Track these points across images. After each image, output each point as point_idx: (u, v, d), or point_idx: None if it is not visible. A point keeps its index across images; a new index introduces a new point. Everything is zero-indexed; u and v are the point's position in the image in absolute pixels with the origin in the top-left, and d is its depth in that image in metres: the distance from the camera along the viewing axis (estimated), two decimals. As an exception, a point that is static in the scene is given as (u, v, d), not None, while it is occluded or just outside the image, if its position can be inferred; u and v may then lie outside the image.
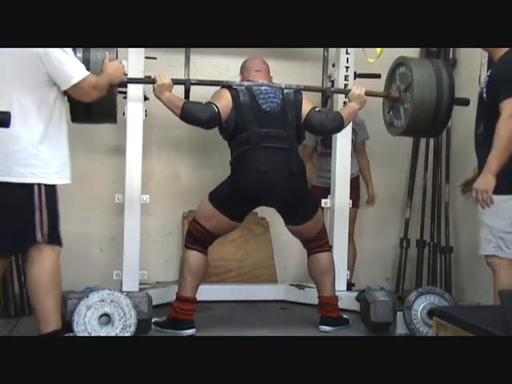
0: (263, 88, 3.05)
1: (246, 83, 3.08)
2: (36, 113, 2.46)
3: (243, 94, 3.00)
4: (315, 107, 3.12)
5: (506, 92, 2.59)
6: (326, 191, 3.70)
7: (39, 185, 2.47)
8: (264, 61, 3.20)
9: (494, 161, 2.62)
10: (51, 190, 2.51)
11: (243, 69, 3.19)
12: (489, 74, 2.73)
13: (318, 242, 3.21)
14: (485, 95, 2.73)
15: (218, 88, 3.11)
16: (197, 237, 3.04)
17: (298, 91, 3.11)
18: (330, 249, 3.30)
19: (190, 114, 2.97)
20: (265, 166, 2.90)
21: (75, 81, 2.48)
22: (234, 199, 2.98)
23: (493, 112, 2.64)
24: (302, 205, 3.06)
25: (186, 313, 3.00)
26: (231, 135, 3.00)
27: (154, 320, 3.07)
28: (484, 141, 2.72)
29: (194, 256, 3.03)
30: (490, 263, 2.77)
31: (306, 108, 3.07)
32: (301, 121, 3.06)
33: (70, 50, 2.47)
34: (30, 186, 2.45)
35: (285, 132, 2.99)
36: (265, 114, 2.99)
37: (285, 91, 3.08)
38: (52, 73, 2.43)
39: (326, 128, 3.14)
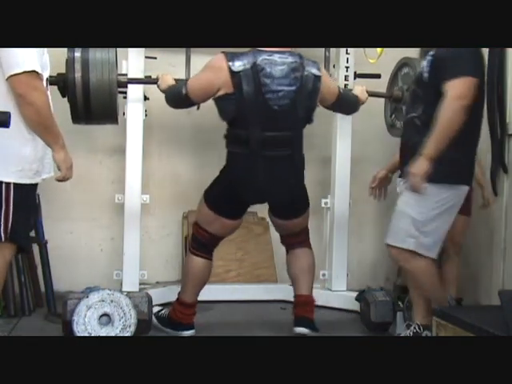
0: (278, 69, 2.64)
1: (251, 58, 2.63)
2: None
3: (247, 82, 2.62)
4: (339, 86, 3.04)
5: (452, 72, 2.43)
6: None
7: (7, 183, 2.29)
8: None
9: (434, 145, 2.45)
10: (21, 188, 2.33)
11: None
12: (432, 53, 2.55)
13: (299, 238, 3.04)
14: (426, 75, 2.55)
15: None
16: (201, 241, 2.94)
17: (318, 77, 2.75)
18: (310, 246, 3.10)
19: (168, 98, 2.91)
20: (262, 178, 2.74)
21: (16, 71, 2.19)
22: (228, 199, 2.85)
23: (435, 94, 2.47)
24: (295, 204, 2.97)
25: (186, 317, 2.97)
26: (229, 123, 2.79)
27: (155, 310, 3.04)
28: (422, 125, 2.54)
29: (198, 263, 2.94)
30: (403, 259, 2.65)
31: (333, 90, 2.88)
32: (313, 110, 2.81)
33: None
34: None
35: (291, 133, 2.75)
36: (272, 114, 2.67)
37: (305, 73, 2.69)
38: (1, 57, 2.21)
39: (357, 108, 3.11)
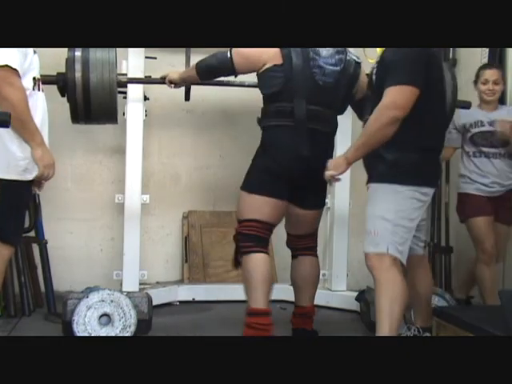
0: (324, 48, 2.69)
1: None
2: None
3: (296, 55, 2.65)
4: None
5: (391, 79, 2.31)
6: (488, 200, 3.24)
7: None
8: None
9: (354, 152, 2.39)
10: (9, 184, 2.33)
11: None
12: (381, 55, 2.45)
13: (308, 242, 2.92)
14: (374, 77, 2.46)
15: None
16: (254, 235, 2.68)
17: (359, 63, 2.80)
18: (317, 255, 2.97)
19: (203, 65, 2.80)
20: (306, 151, 2.64)
21: None
22: (273, 176, 2.68)
23: (379, 97, 2.36)
24: (323, 190, 2.89)
25: (266, 328, 2.58)
26: (272, 97, 2.70)
27: None
28: None
29: (260, 259, 2.65)
30: (384, 268, 2.37)
31: (365, 80, 2.74)
32: (350, 97, 2.82)
33: None
34: None
35: (331, 111, 2.75)
36: (317, 88, 2.67)
37: (347, 57, 2.75)
38: None
39: None
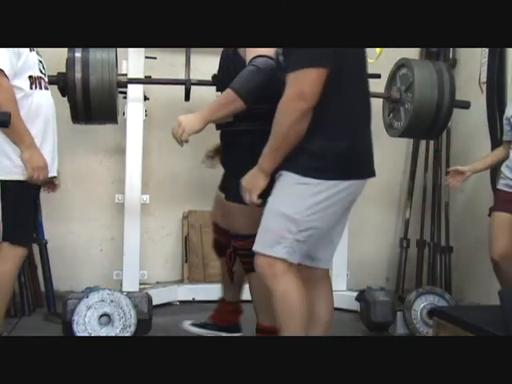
0: None
1: None
2: None
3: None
4: None
5: (292, 63, 1.94)
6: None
7: None
8: None
9: (268, 157, 1.99)
10: (8, 184, 2.32)
11: None
12: None
13: None
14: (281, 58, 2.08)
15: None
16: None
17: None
18: None
19: (250, 90, 2.23)
20: None
21: None
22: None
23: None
24: None
25: None
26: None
27: None
28: None
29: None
30: (270, 273, 2.00)
31: None
32: None
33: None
34: None
35: None
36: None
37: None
38: None
39: None
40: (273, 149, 1.99)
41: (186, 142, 2.28)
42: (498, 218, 2.99)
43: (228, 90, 2.26)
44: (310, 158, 1.99)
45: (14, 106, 2.29)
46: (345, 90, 2.02)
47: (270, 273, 2.00)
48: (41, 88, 2.43)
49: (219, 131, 2.68)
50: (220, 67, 2.64)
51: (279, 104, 1.95)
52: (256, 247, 2.04)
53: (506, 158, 3.06)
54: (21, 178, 2.35)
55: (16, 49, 2.30)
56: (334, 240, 2.20)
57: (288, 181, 2.02)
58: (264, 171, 2.01)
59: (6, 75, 2.28)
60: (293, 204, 1.99)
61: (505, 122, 3.13)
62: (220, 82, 2.64)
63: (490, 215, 3.17)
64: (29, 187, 2.40)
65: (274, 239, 1.99)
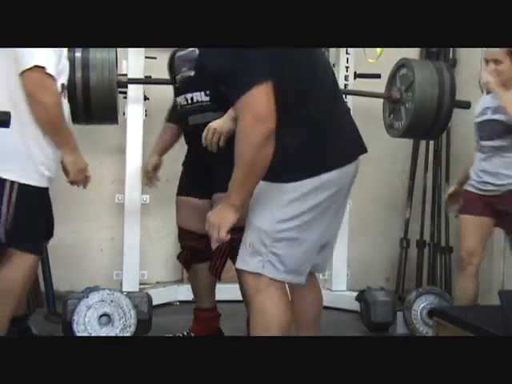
0: None
1: None
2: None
3: None
4: None
5: (235, 88, 1.80)
6: (479, 199, 2.95)
7: (11, 181, 2.23)
8: None
9: (239, 190, 1.83)
10: (26, 189, 2.26)
11: None
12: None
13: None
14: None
15: None
16: None
17: None
18: None
19: None
20: None
21: (29, 65, 2.17)
22: None
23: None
24: None
25: None
26: None
27: None
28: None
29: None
30: (250, 287, 1.91)
31: None
32: None
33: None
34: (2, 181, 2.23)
35: None
36: None
37: None
38: (18, 56, 2.19)
39: None
40: (240, 181, 1.82)
41: (221, 145, 2.15)
42: (464, 221, 3.02)
43: None
44: (274, 166, 1.82)
45: (60, 110, 2.29)
46: (294, 95, 1.89)
47: (252, 287, 1.91)
48: (65, 97, 2.43)
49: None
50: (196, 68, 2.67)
51: (237, 134, 1.79)
52: (237, 264, 1.96)
53: None
54: (41, 184, 2.31)
55: (59, 50, 2.29)
56: (328, 244, 2.04)
57: (257, 190, 1.90)
58: (233, 206, 1.84)
59: (54, 78, 2.26)
60: (262, 214, 1.89)
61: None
62: None
63: (456, 217, 3.20)
64: (46, 195, 2.37)
65: (249, 253, 1.90)
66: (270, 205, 1.88)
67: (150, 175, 2.97)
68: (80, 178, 2.44)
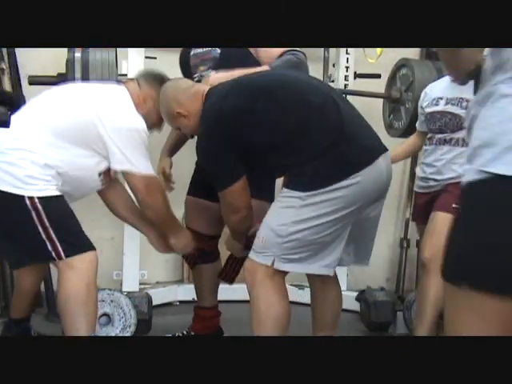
0: None
1: None
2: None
3: None
4: None
5: (217, 183, 2.23)
6: (424, 203, 2.95)
7: (31, 198, 2.22)
8: None
9: (234, 237, 2.44)
10: (46, 201, 2.28)
11: None
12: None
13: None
14: None
15: None
16: None
17: None
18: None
19: None
20: None
21: (143, 173, 2.42)
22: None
23: None
24: None
25: None
26: None
27: None
28: None
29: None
30: (250, 279, 2.17)
31: None
32: None
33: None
34: (21, 198, 2.20)
35: None
36: None
37: None
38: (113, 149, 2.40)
39: None
40: (232, 236, 2.43)
41: None
42: (418, 228, 3.07)
43: None
44: (295, 177, 2.13)
45: (167, 208, 2.54)
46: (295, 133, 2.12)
47: (251, 277, 2.15)
48: (108, 182, 2.72)
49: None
50: (220, 66, 2.66)
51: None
52: (250, 254, 2.21)
53: (420, 148, 3.02)
54: (54, 193, 2.34)
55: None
56: (356, 240, 2.42)
57: (279, 197, 2.20)
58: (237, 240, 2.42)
59: (158, 181, 2.58)
60: (277, 217, 2.13)
61: (419, 110, 2.98)
62: None
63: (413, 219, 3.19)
64: (63, 199, 2.41)
65: (261, 246, 2.14)
66: (283, 211, 2.11)
67: (170, 177, 3.04)
68: (187, 250, 2.72)
